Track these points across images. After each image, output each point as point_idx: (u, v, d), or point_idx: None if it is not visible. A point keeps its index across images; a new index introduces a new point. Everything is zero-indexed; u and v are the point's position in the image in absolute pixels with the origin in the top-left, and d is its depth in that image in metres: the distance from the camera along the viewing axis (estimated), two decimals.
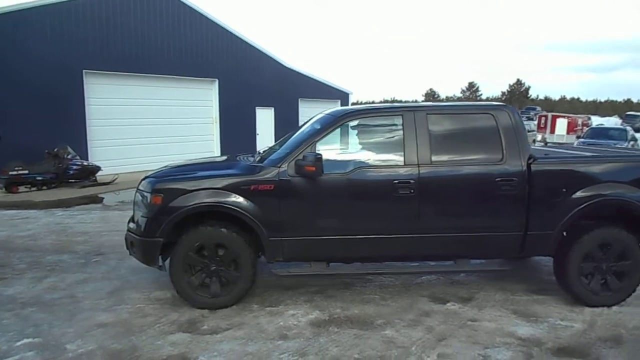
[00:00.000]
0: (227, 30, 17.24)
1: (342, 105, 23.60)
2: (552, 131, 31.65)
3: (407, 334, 3.88)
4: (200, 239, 4.30)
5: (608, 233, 4.49)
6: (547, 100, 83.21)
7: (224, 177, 4.40)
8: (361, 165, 4.44)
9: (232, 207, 4.26)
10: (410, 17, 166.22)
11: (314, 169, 4.19)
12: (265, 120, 18.97)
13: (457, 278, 5.19)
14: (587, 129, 23.47)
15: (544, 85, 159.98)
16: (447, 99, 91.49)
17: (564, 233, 4.49)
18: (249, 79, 17.79)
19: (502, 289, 4.91)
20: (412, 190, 4.34)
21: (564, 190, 4.45)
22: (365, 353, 3.57)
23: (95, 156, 12.93)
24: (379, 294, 4.76)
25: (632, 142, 17.84)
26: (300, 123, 20.21)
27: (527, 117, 46.74)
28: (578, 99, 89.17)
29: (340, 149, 4.67)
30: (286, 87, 19.80)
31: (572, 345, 3.74)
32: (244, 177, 4.38)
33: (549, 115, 33.39)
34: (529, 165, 4.44)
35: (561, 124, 31.77)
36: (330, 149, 4.44)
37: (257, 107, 18.52)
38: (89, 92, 13.14)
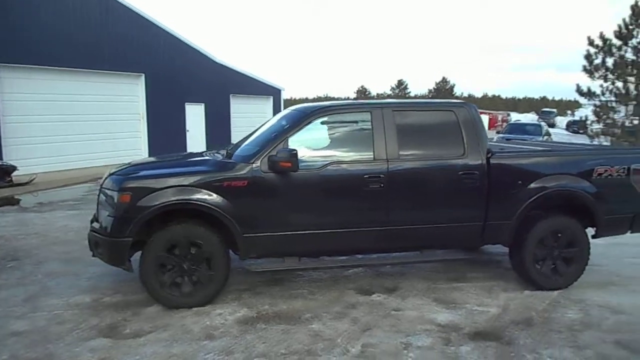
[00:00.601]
0: (154, 24, 16.65)
1: (274, 101, 23.54)
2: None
3: (333, 326, 3.96)
4: (174, 238, 4.22)
5: (559, 222, 4.88)
6: (470, 97, 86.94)
7: (196, 174, 4.34)
8: (333, 161, 4.50)
9: (206, 205, 4.20)
10: (342, 15, 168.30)
11: (289, 164, 4.23)
12: (195, 116, 18.54)
13: (383, 270, 5.34)
14: (506, 124, 24.83)
15: (468, 83, 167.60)
16: (378, 96, 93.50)
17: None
18: (178, 74, 17.31)
19: (425, 279, 5.12)
20: (381, 185, 4.48)
21: (520, 182, 4.76)
22: (292, 347, 3.61)
23: (11, 155, 12.07)
24: (308, 289, 4.82)
25: (546, 137, 19.07)
26: (233, 119, 20.04)
27: None
28: (499, 96, 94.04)
29: (312, 145, 4.64)
30: (217, 83, 19.45)
31: (487, 329, 3.97)
32: (217, 173, 4.34)
33: None
34: (488, 160, 4.71)
35: (483, 120, 33.40)
36: (301, 145, 4.44)
37: (186, 103, 18.05)
38: (3, 86, 12.25)
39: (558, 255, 4.86)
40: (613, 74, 16.27)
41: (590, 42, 16.60)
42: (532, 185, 4.75)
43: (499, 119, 34.31)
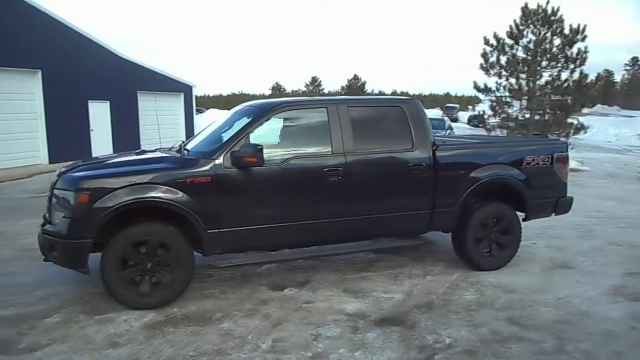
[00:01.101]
0: (52, 18, 15.49)
1: (185, 98, 22.90)
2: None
3: (244, 323, 3.96)
4: (137, 237, 4.13)
5: (495, 207, 5.34)
6: (381, 93, 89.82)
7: (158, 171, 4.26)
8: (293, 156, 4.61)
9: (170, 202, 4.15)
10: (255, 12, 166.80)
11: (255, 159, 4.27)
12: (100, 114, 17.53)
13: (296, 264, 5.41)
14: None
15: (378, 80, 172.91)
16: (293, 93, 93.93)
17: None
18: (80, 71, 16.27)
19: (336, 270, 5.25)
20: (340, 177, 4.67)
21: (462, 172, 5.17)
22: (201, 349, 3.56)
23: None
24: (219, 288, 4.77)
25: (449, 131, 20.24)
26: (141, 117, 19.16)
27: None
28: (407, 92, 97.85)
29: (272, 140, 4.67)
30: (123, 80, 18.55)
31: (392, 315, 4.16)
32: (179, 170, 4.31)
33: None
34: (433, 152, 5.05)
35: None
36: (262, 141, 4.44)
37: (90, 101, 17.02)
38: None
39: (494, 239, 5.33)
40: (506, 71, 17.52)
41: (486, 42, 17.75)
42: (472, 174, 5.17)
43: None
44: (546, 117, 17.63)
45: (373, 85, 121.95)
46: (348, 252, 5.39)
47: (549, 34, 17.20)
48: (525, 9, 17.41)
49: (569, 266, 5.55)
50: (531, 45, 17.36)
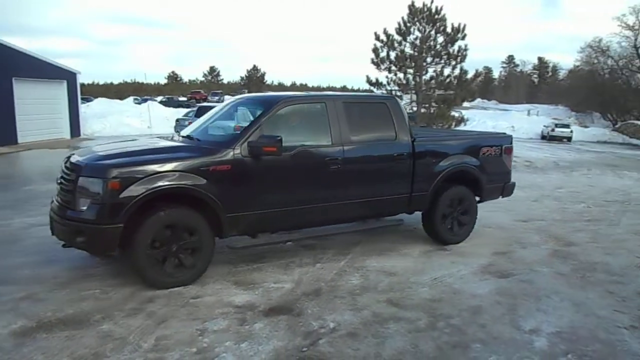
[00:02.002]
0: None
1: (69, 86, 21.23)
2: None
3: (125, 324, 3.80)
4: (170, 220, 4.41)
5: (458, 191, 6.12)
6: (281, 85, 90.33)
7: (183, 160, 4.55)
8: (300, 146, 5.04)
9: (196, 188, 4.47)
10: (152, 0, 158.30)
11: (274, 149, 4.64)
12: None
13: None
14: None
15: (278, 72, 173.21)
16: (191, 83, 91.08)
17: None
18: None
19: (227, 263, 5.21)
20: (339, 166, 5.18)
21: (434, 161, 5.91)
22: (77, 354, 3.35)
23: None
24: (101, 288, 4.51)
25: None
26: (17, 106, 17.50)
27: None
28: (306, 84, 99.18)
29: (280, 131, 4.86)
30: None
31: (280, 304, 4.23)
32: (202, 159, 4.60)
33: None
34: (412, 143, 5.71)
35: None
36: (272, 131, 4.80)
37: None
38: None
39: (456, 217, 6.15)
40: (395, 67, 18.42)
41: (377, 37, 18.52)
42: (442, 163, 5.95)
43: None
44: (432, 110, 18.80)
45: (273, 76, 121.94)
46: (343, 232, 6.03)
47: (433, 32, 18.33)
48: (412, 7, 18.39)
49: (446, 249, 6.01)
50: (417, 42, 18.40)
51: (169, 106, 38.77)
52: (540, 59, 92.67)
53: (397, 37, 18.50)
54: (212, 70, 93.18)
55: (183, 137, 5.45)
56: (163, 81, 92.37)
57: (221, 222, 4.64)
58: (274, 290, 4.54)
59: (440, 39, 18.37)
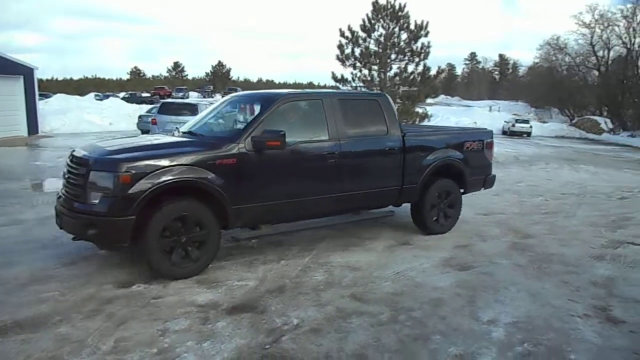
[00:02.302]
0: None
1: (26, 81, 20.49)
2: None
3: (84, 326, 3.70)
4: (180, 212, 4.58)
5: (446, 184, 6.47)
6: (247, 81, 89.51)
7: (191, 154, 4.70)
8: (300, 141, 5.25)
9: (205, 182, 4.64)
10: None
11: (278, 143, 4.88)
12: None
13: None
14: None
15: (244, 68, 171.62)
16: (154, 78, 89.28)
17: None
18: None
19: None
20: (335, 160, 5.43)
21: (422, 154, 6.21)
22: (33, 357, 3.26)
23: None
24: (59, 290, 4.39)
25: None
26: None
27: None
28: (272, 81, 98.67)
29: (280, 126, 5.03)
30: None
31: (244, 302, 4.21)
32: (209, 153, 4.77)
33: None
34: (403, 138, 5.99)
35: None
36: (272, 127, 4.99)
37: None
38: None
39: (442, 209, 6.51)
40: (360, 63, 18.52)
41: (342, 34, 18.57)
42: (429, 157, 6.26)
43: None
44: (397, 107, 18.99)
45: (239, 72, 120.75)
46: (337, 223, 6.26)
47: (397, 29, 18.51)
48: (375, 4, 18.51)
49: (409, 243, 6.10)
50: (382, 39, 18.54)
51: (132, 102, 37.96)
52: (501, 56, 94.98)
53: (362, 34, 18.60)
54: (177, 65, 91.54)
55: (184, 132, 5.63)
56: (125, 76, 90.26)
57: (227, 214, 4.82)
58: (237, 288, 4.52)
59: (404, 35, 18.56)
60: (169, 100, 22.55)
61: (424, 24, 18.25)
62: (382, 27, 18.57)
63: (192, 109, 15.76)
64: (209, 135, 5.39)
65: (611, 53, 43.71)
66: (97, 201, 4.41)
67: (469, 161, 6.64)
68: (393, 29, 18.49)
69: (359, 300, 4.30)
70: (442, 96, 62.07)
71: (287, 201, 5.22)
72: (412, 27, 18.37)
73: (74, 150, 5.03)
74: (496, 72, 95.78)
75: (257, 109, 5.47)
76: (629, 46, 41.16)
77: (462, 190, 6.73)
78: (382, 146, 5.89)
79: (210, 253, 4.84)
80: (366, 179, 5.80)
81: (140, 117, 20.96)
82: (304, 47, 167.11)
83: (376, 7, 18.52)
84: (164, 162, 4.52)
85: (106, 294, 4.31)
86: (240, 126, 5.39)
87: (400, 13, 18.38)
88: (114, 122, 25.11)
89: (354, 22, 24.62)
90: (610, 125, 39.80)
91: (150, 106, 25.44)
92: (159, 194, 4.46)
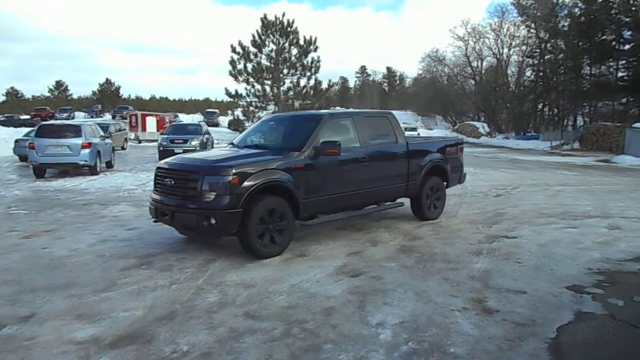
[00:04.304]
0: None
1: None
2: (144, 129, 32.99)
3: None
4: (272, 205, 5.95)
5: (435, 181, 8.22)
6: (139, 99, 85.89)
7: (276, 161, 6.16)
8: (344, 148, 6.59)
9: (286, 182, 6.06)
10: None
11: (336, 150, 6.38)
12: None
13: (11, 297, 4.72)
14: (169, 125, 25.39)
15: (134, 85, 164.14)
16: (35, 99, 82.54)
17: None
18: None
19: (70, 296, 4.77)
20: (366, 162, 7.04)
21: (420, 158, 7.96)
22: None
23: None
24: None
25: (206, 136, 20.38)
26: None
27: (120, 116, 46.66)
28: (166, 98, 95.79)
29: (328, 138, 6.59)
30: None
31: (129, 333, 3.96)
32: (286, 160, 6.22)
33: (139, 114, 34.49)
34: (407, 145, 7.75)
35: (151, 122, 33.39)
36: (324, 138, 6.54)
37: None
38: None
39: (434, 199, 8.21)
40: (253, 78, 18.57)
41: (233, 50, 18.54)
42: (425, 159, 8.02)
43: (167, 120, 34.74)
44: None
45: (129, 90, 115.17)
46: (363, 213, 7.82)
47: (287, 44, 18.84)
48: (264, 20, 18.73)
49: (305, 254, 6.18)
50: (273, 54, 18.77)
51: (9, 126, 34.80)
52: (388, 68, 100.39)
53: (253, 49, 18.74)
54: (59, 84, 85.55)
55: (239, 146, 7.26)
56: (1, 99, 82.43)
57: (299, 207, 6.17)
58: (122, 319, 4.25)
59: (295, 51, 18.99)
60: (49, 122, 20.87)
61: (313, 39, 18.80)
62: (273, 42, 18.86)
63: (76, 131, 14.77)
64: (275, 147, 6.85)
65: (484, 63, 47.99)
66: (211, 199, 5.66)
67: (449, 162, 8.45)
68: (283, 44, 18.83)
69: (252, 318, 4.25)
70: (338, 108, 63.99)
71: (337, 195, 6.65)
72: (301, 42, 18.80)
73: (161, 164, 6.56)
74: (385, 84, 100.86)
75: (305, 126, 6.87)
76: (498, 56, 45.52)
77: (445, 184, 8.46)
78: (394, 151, 7.54)
79: (288, 238, 6.20)
80: (386, 177, 7.36)
81: (17, 141, 19.24)
82: (198, 62, 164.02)
83: (265, 23, 18.74)
84: (258, 168, 5.92)
85: None
86: (298, 139, 6.60)
87: (289, 29, 18.77)
88: None
89: (245, 37, 24.63)
90: (487, 129, 43.61)
91: (29, 129, 23.40)
92: (256, 192, 5.75)
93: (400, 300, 4.64)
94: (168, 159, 6.79)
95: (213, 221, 5.63)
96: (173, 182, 6.08)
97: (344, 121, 7.31)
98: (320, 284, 5.11)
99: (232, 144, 7.61)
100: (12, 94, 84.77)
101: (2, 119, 45.08)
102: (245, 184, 5.70)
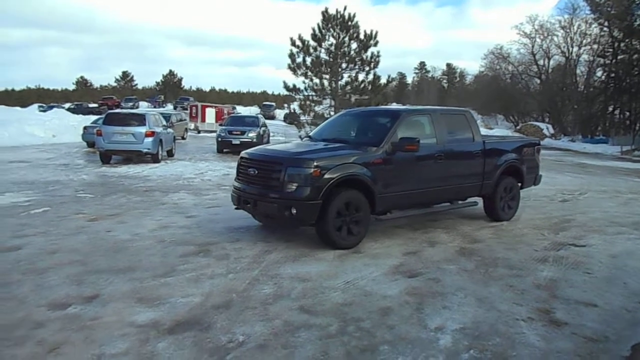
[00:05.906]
0: None
1: None
2: (203, 120, 33.97)
3: (10, 354, 3.44)
4: (348, 198, 6.04)
5: (509, 181, 8.02)
6: (199, 91, 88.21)
7: (353, 155, 6.23)
8: (422, 144, 6.50)
9: (363, 175, 6.11)
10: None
11: (415, 147, 6.37)
12: None
13: (84, 278, 4.91)
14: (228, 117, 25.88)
15: (195, 77, 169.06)
16: (102, 88, 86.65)
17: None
18: None
19: (131, 280, 4.91)
20: (442, 159, 6.97)
21: (496, 157, 7.75)
22: None
23: None
24: None
25: (263, 128, 20.60)
26: None
27: (181, 107, 48.21)
28: (225, 90, 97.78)
29: (406, 134, 6.55)
30: None
31: (187, 319, 4.01)
32: (364, 154, 6.27)
33: (199, 105, 35.58)
34: (484, 143, 7.58)
35: (210, 113, 34.38)
36: (402, 135, 6.51)
37: None
38: None
39: (507, 200, 8.01)
40: (312, 72, 18.56)
41: (293, 43, 18.57)
42: (501, 158, 7.83)
43: (225, 112, 35.57)
44: None
45: (190, 81, 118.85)
46: (436, 211, 7.76)
47: (347, 38, 18.69)
48: (325, 14, 18.64)
49: (360, 251, 6.07)
50: (332, 48, 18.66)
51: (78, 113, 36.61)
52: (449, 65, 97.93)
53: (313, 43, 18.67)
54: (125, 75, 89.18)
55: (316, 139, 7.26)
56: (71, 87, 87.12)
57: (374, 201, 6.19)
58: (181, 305, 4.32)
59: (354, 45, 18.78)
60: (115, 110, 21.79)
61: (374, 33, 18.54)
62: (333, 36, 18.72)
63: (140, 120, 15.31)
64: (352, 141, 6.92)
65: (551, 62, 45.82)
66: (293, 189, 5.82)
67: (525, 162, 8.24)
68: (343, 38, 18.67)
69: (307, 313, 4.21)
70: (394, 104, 63.26)
71: (412, 191, 6.68)
72: (361, 36, 18.60)
73: (244, 154, 6.70)
74: (444, 81, 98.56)
75: (383, 121, 7.00)
76: (567, 55, 43.30)
77: (520, 185, 8.23)
78: (470, 149, 7.43)
79: (364, 230, 6.25)
80: (461, 175, 7.28)
81: (85, 128, 20.19)
82: (257, 55, 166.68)
83: (326, 17, 18.65)
84: (337, 162, 6.02)
85: (37, 318, 4.01)
86: (377, 135, 6.68)
87: (350, 23, 18.59)
88: (57, 134, 24.01)
89: (305, 31, 24.70)
90: (552, 131, 41.68)
91: (97, 117, 24.54)
92: (335, 185, 5.85)
93: (461, 305, 4.45)
94: (250, 150, 6.95)
95: (294, 211, 5.78)
96: (256, 172, 6.27)
97: (421, 118, 7.27)
98: (376, 282, 5.00)
99: (309, 137, 7.72)
100: (82, 83, 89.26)
101: (72, 106, 47.56)
102: (326, 176, 5.82)
